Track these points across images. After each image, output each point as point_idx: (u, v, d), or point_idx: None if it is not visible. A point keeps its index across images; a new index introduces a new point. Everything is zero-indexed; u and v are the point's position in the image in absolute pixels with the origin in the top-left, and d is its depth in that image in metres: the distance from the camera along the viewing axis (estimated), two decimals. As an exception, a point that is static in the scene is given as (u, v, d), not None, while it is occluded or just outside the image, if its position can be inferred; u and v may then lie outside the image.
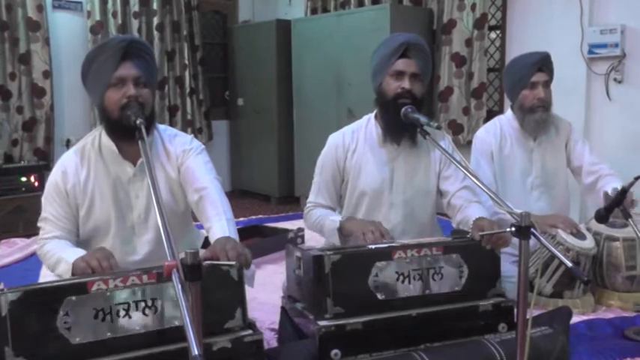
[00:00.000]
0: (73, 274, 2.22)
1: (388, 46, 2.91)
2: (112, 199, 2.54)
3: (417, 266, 2.40)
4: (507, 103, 5.46)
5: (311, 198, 3.14)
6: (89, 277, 2.03)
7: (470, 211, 2.83)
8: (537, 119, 3.43)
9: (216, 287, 2.05)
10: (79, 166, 2.54)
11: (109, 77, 2.39)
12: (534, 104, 3.39)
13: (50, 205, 2.53)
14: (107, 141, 2.53)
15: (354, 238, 2.75)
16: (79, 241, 2.58)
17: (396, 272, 2.36)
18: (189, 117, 7.14)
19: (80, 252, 2.33)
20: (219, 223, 2.35)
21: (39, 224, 2.55)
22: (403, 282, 2.37)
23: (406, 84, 2.84)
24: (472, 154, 3.57)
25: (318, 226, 3.04)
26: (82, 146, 2.58)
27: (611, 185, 3.23)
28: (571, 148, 3.57)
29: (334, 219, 2.93)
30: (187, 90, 7.10)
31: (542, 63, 3.40)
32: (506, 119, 3.59)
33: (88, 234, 2.58)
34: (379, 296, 2.33)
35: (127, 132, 2.36)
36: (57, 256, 2.37)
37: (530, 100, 3.39)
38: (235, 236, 2.28)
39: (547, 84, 3.41)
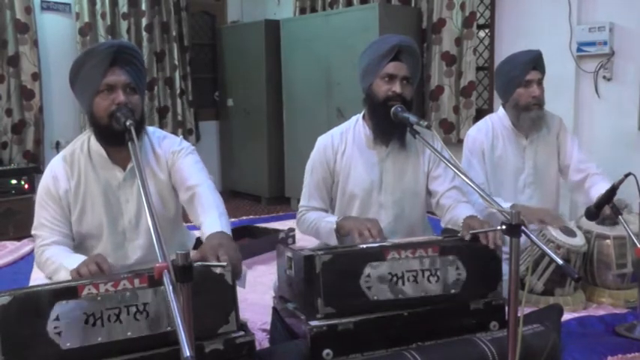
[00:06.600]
0: None
1: (379, 47, 2.87)
2: (103, 205, 2.52)
3: (412, 267, 2.37)
4: (497, 101, 5.49)
5: (303, 202, 3.11)
6: (79, 281, 2.01)
7: (458, 210, 2.83)
8: (533, 117, 3.44)
9: (210, 292, 2.03)
10: (69, 172, 2.51)
11: (98, 84, 2.36)
12: (529, 102, 3.40)
13: (44, 210, 2.49)
14: (96, 146, 2.51)
15: (351, 237, 2.73)
16: (74, 246, 2.56)
17: (389, 273, 2.34)
18: (179, 118, 7.13)
19: (80, 258, 2.28)
20: (212, 217, 2.33)
21: (34, 232, 2.51)
22: (397, 283, 2.35)
23: (397, 88, 2.83)
24: (463, 153, 3.57)
25: (313, 230, 3.01)
26: (71, 151, 2.55)
27: (600, 186, 3.25)
28: (560, 143, 3.59)
29: (330, 220, 2.90)
30: (177, 91, 7.08)
31: (536, 61, 3.43)
32: (498, 118, 3.59)
33: (80, 239, 2.56)
34: (371, 297, 2.32)
35: (116, 137, 2.34)
36: (57, 264, 2.32)
37: (526, 98, 3.40)
38: (228, 230, 2.26)
39: (540, 82, 3.44)
